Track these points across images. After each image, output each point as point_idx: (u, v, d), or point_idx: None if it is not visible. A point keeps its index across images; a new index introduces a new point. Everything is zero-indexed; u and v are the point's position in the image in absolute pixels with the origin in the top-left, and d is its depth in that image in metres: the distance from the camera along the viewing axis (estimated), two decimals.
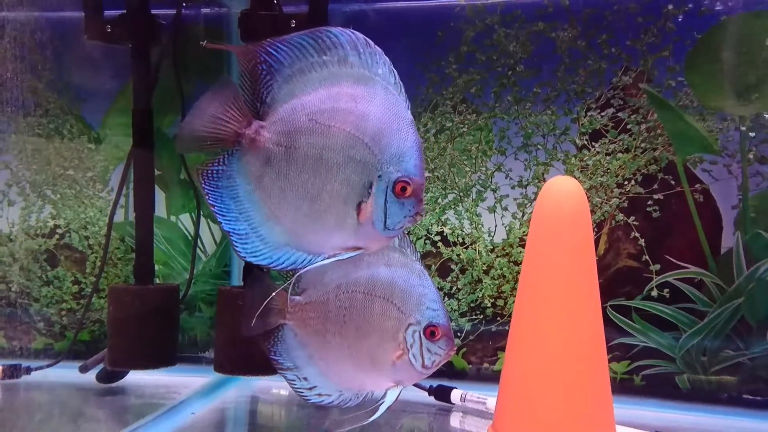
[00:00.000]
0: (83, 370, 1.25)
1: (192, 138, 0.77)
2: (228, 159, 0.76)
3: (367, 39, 0.73)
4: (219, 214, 0.76)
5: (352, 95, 0.73)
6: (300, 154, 0.73)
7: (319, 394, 0.83)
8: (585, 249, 0.82)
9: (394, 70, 0.73)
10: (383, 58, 0.73)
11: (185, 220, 1.40)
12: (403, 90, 0.74)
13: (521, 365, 0.83)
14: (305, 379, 0.83)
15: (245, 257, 0.76)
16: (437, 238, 1.32)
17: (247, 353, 1.10)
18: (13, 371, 1.26)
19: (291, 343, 0.83)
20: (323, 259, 0.76)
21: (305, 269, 0.77)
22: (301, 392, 0.83)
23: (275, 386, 1.26)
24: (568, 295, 0.81)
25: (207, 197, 0.76)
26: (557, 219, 0.82)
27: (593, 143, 1.26)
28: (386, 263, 0.80)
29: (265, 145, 0.75)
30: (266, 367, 1.08)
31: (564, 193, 0.82)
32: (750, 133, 1.19)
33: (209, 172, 0.76)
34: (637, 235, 1.23)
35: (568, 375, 0.80)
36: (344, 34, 0.73)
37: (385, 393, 0.82)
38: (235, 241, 0.76)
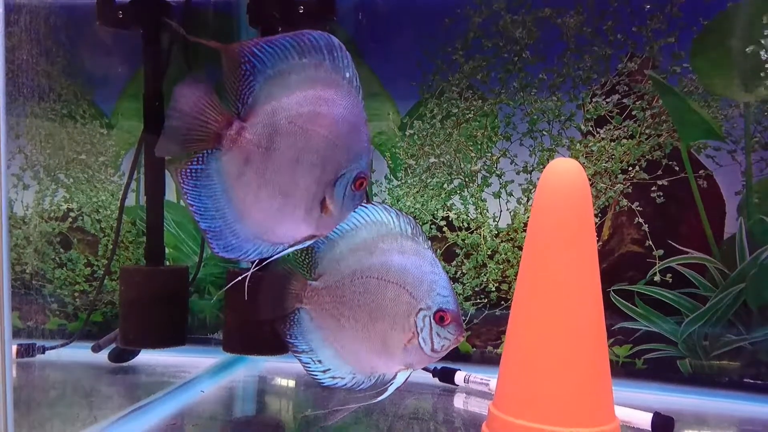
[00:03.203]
0: (96, 349, 1.28)
1: (173, 141, 0.77)
2: (207, 158, 0.77)
3: (341, 44, 0.75)
4: (197, 213, 0.77)
5: (326, 99, 0.75)
6: (279, 154, 0.75)
7: (333, 377, 0.85)
8: (585, 229, 0.82)
9: (357, 74, 0.76)
10: (351, 62, 0.76)
11: None
12: (361, 92, 0.76)
13: (521, 345, 0.84)
14: (320, 361, 0.85)
15: (218, 252, 0.78)
16: (443, 223, 1.33)
17: (256, 334, 1.12)
18: (28, 350, 1.28)
19: (307, 326, 0.85)
20: (284, 249, 0.79)
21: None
22: (316, 375, 0.85)
23: (282, 373, 1.28)
24: (568, 276, 0.81)
25: (185, 196, 0.77)
26: (558, 200, 0.82)
27: (598, 129, 1.26)
28: (399, 251, 0.82)
29: (246, 146, 0.76)
30: (274, 347, 1.11)
31: (566, 175, 0.83)
32: (754, 120, 1.19)
33: (188, 171, 0.77)
34: (640, 220, 1.24)
35: (566, 356, 0.81)
36: (323, 38, 0.75)
37: (395, 375, 0.84)
38: (211, 239, 0.77)
